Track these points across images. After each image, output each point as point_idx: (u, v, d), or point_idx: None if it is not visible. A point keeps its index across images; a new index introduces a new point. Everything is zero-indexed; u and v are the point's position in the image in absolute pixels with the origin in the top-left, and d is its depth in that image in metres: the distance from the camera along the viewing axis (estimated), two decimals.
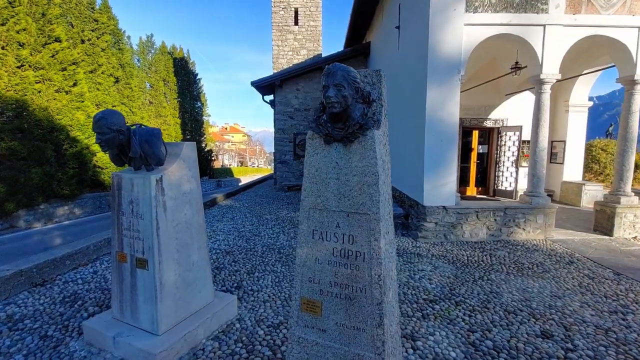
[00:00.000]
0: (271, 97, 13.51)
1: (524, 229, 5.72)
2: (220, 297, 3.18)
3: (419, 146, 5.74)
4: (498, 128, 9.27)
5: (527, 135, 9.18)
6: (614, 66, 6.60)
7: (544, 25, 5.32)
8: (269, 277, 4.16)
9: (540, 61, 5.41)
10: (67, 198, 11.13)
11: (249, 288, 3.84)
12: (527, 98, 9.07)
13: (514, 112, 9.17)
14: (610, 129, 20.76)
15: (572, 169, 9.03)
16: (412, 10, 6.24)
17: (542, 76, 5.43)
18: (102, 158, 13.17)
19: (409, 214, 6.39)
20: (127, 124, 2.54)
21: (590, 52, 7.05)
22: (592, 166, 12.25)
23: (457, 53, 5.30)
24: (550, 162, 9.41)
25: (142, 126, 2.61)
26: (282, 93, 12.10)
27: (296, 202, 9.85)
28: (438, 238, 5.67)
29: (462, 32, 5.26)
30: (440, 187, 5.59)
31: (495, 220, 5.67)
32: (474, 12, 5.25)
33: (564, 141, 9.01)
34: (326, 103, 1.53)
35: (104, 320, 2.78)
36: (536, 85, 5.65)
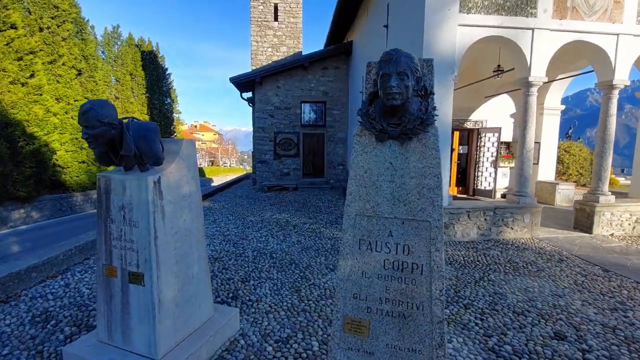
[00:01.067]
0: (249, 94, 13.07)
1: (512, 228, 5.82)
2: (221, 311, 2.88)
3: None
4: (478, 129, 9.49)
5: (505, 136, 9.51)
6: (589, 72, 6.92)
7: (533, 29, 5.43)
8: (266, 285, 3.88)
9: (528, 64, 5.52)
10: (23, 200, 10.09)
11: (247, 298, 3.55)
12: (505, 101, 9.38)
13: (493, 114, 9.43)
14: (570, 131, 22.26)
15: (546, 169, 9.45)
16: (404, 9, 6.18)
17: (530, 79, 5.55)
18: (62, 157, 12.13)
19: None
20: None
21: (567, 57, 7.35)
22: (556, 166, 12.96)
23: (451, 53, 5.29)
24: None
25: (135, 119, 2.27)
26: (262, 90, 11.71)
27: (279, 203, 9.54)
28: None
29: (455, 33, 5.25)
30: None
31: (485, 219, 5.73)
32: (467, 13, 5.26)
33: (539, 143, 9.39)
34: (384, 94, 1.33)
35: (88, 344, 2.40)
36: (524, 87, 5.77)
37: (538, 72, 5.55)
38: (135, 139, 2.16)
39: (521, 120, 5.90)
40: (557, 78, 8.13)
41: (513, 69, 6.06)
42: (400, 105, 1.35)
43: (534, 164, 9.56)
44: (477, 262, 4.73)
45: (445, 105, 5.41)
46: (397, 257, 1.46)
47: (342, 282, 1.55)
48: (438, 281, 1.40)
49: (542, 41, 5.46)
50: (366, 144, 1.47)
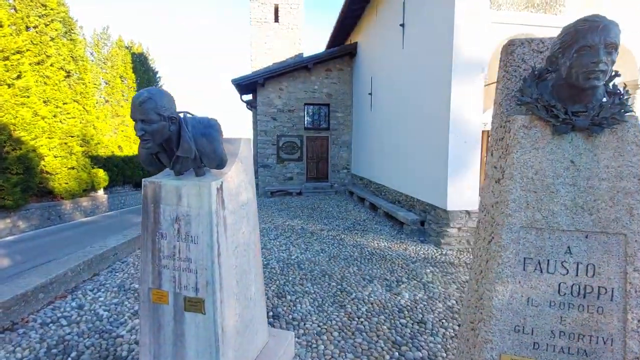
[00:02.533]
0: (249, 96, 12.70)
1: None
2: (275, 336, 2.52)
3: (441, 148, 5.44)
4: (488, 131, 9.38)
5: None
6: None
7: (561, 28, 5.30)
8: (305, 301, 3.53)
9: None
10: (9, 209, 9.39)
11: (290, 316, 3.19)
12: None
13: None
14: None
15: None
16: (426, 7, 5.98)
17: None
18: (50, 162, 11.44)
19: (425, 220, 6.07)
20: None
21: None
22: None
23: (481, 51, 5.10)
24: None
25: (189, 113, 1.91)
26: (264, 93, 11.34)
27: (287, 209, 9.16)
28: (461, 244, 5.39)
29: (486, 30, 5.06)
30: (464, 190, 5.33)
31: None
32: (497, 10, 5.09)
33: None
34: (583, 72, 1.04)
35: None
36: None
37: None
38: (195, 138, 1.80)
39: None
40: None
41: None
42: (597, 87, 1.06)
43: None
44: None
45: (475, 105, 5.21)
46: (577, 279, 1.16)
47: (498, 311, 1.24)
48: (637, 309, 1.11)
49: None
50: (536, 137, 1.18)
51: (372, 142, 9.69)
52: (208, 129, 1.84)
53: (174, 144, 1.80)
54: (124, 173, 16.52)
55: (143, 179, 1.95)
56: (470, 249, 5.30)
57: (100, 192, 14.79)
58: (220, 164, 1.88)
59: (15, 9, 10.68)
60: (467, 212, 5.35)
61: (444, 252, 5.15)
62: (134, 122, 1.63)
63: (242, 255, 2.11)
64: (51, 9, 12.02)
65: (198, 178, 1.90)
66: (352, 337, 2.83)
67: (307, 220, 7.62)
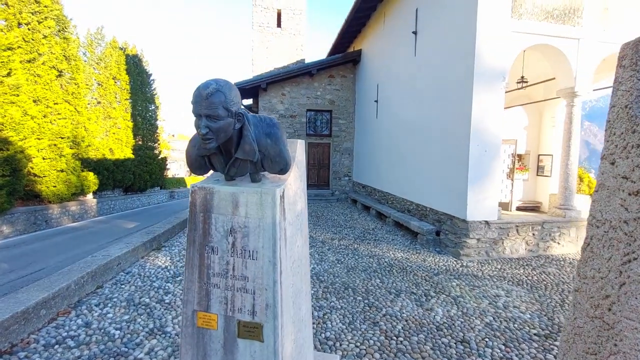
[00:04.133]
0: (249, 101, 12.47)
1: (559, 243, 5.56)
2: None
3: (460, 157, 5.32)
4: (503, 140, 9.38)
5: (520, 149, 9.46)
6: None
7: (579, 39, 5.31)
8: (334, 317, 3.28)
9: (574, 74, 5.38)
10: None
11: (323, 335, 2.94)
12: (518, 114, 9.36)
13: (507, 126, 9.37)
14: None
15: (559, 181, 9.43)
16: (444, 15, 5.92)
17: (576, 89, 5.40)
18: (38, 164, 10.91)
19: (440, 230, 5.92)
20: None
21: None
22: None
23: (502, 60, 5.03)
24: (537, 175, 9.77)
25: (246, 111, 1.69)
26: (266, 97, 11.13)
27: None
28: (480, 255, 5.25)
29: (508, 39, 5.01)
30: (483, 200, 5.21)
31: (533, 234, 5.43)
32: (518, 19, 5.06)
33: (551, 155, 9.40)
34: None
35: None
36: (567, 98, 5.63)
37: (584, 83, 5.41)
38: (257, 138, 1.58)
39: (565, 131, 5.72)
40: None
41: (553, 78, 5.92)
42: None
43: (546, 176, 9.58)
44: (544, 282, 4.36)
45: (495, 114, 5.12)
46: None
47: None
48: None
49: (587, 51, 5.34)
50: None
51: (378, 150, 9.56)
52: (272, 127, 1.62)
53: (233, 145, 1.57)
54: (114, 177, 15.97)
55: (191, 184, 1.70)
56: (490, 261, 5.15)
57: (90, 196, 14.21)
58: (285, 168, 1.65)
59: (7, 5, 10.22)
60: (487, 223, 5.22)
61: (464, 264, 4.99)
62: (196, 117, 1.40)
63: (296, 271, 1.87)
64: (45, 6, 11.60)
65: (256, 184, 1.67)
66: None
67: (314, 229, 7.37)
